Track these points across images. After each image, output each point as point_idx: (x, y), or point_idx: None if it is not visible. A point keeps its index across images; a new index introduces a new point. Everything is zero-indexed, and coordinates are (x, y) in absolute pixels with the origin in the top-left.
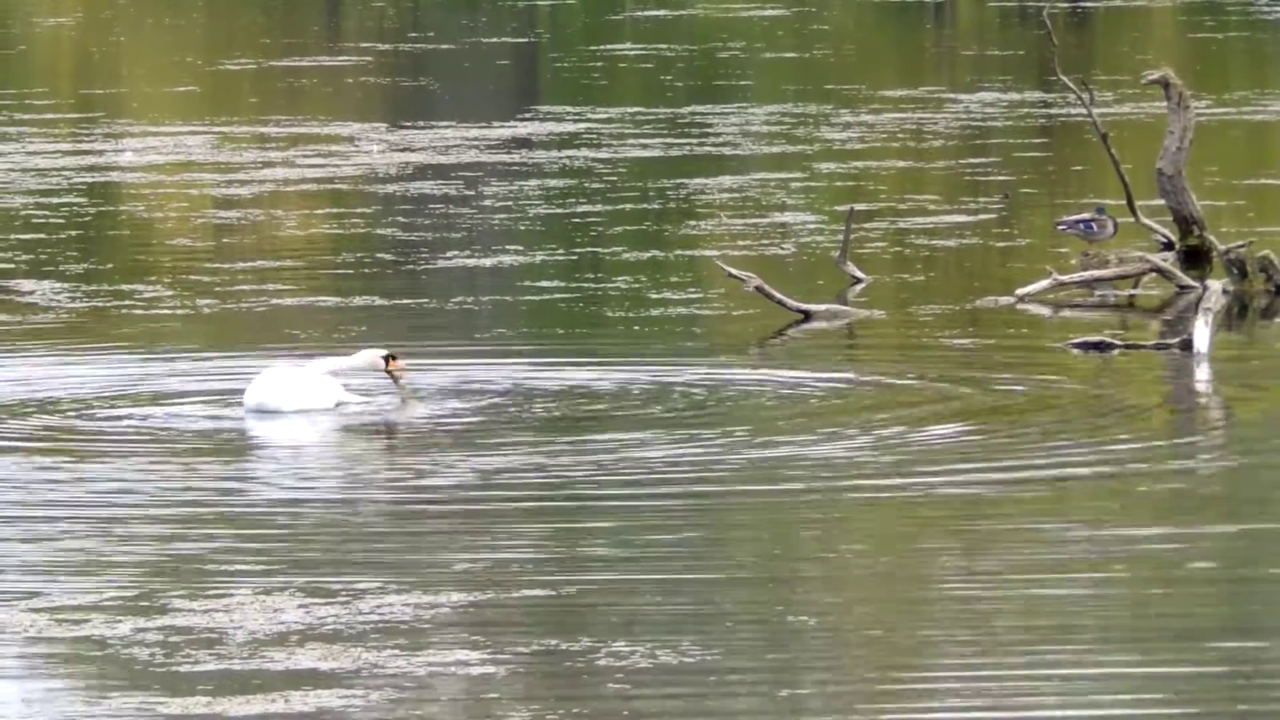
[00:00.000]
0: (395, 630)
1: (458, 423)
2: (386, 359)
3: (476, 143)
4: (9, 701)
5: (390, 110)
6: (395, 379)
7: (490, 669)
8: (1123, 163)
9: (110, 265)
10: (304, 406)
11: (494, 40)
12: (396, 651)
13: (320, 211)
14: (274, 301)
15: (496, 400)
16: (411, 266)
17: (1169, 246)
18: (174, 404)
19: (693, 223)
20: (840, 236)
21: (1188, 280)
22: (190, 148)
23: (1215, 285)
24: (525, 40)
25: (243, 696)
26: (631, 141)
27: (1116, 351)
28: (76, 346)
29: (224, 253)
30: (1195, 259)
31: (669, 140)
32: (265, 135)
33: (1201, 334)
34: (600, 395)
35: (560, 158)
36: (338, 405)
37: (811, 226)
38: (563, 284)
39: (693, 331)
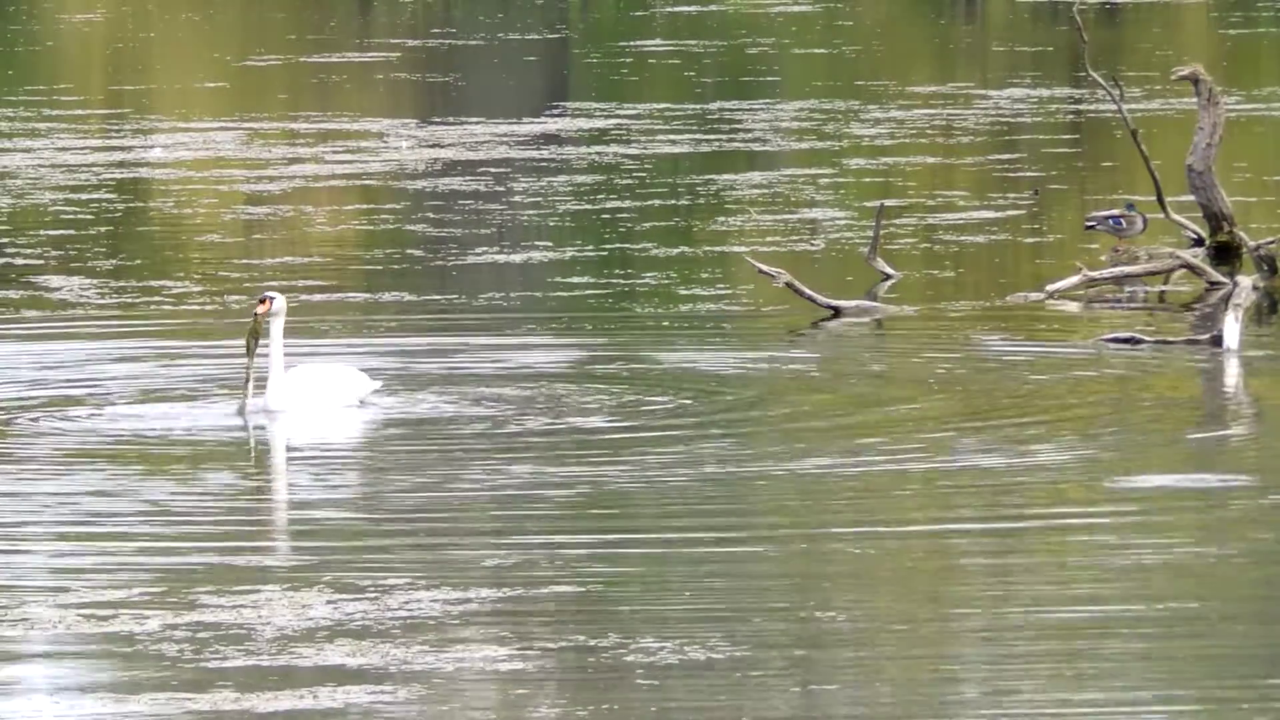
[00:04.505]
0: (424, 626)
1: (486, 419)
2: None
3: (506, 139)
4: (39, 698)
5: (420, 106)
6: (257, 319)
7: (519, 665)
8: (1152, 159)
9: (139, 261)
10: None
11: (523, 36)
12: (425, 648)
13: (350, 207)
14: (303, 297)
15: (524, 396)
16: (441, 262)
17: (1199, 243)
18: (200, 401)
19: (722, 219)
20: (870, 232)
21: (1218, 276)
22: (219, 144)
23: (1245, 281)
24: (554, 36)
25: (271, 693)
26: (661, 137)
27: (1147, 347)
28: (103, 342)
29: (253, 249)
30: (1225, 255)
31: (698, 136)
32: (294, 131)
33: (1231, 330)
34: (629, 390)
35: (589, 154)
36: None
37: (841, 222)
38: (592, 280)
39: (722, 327)
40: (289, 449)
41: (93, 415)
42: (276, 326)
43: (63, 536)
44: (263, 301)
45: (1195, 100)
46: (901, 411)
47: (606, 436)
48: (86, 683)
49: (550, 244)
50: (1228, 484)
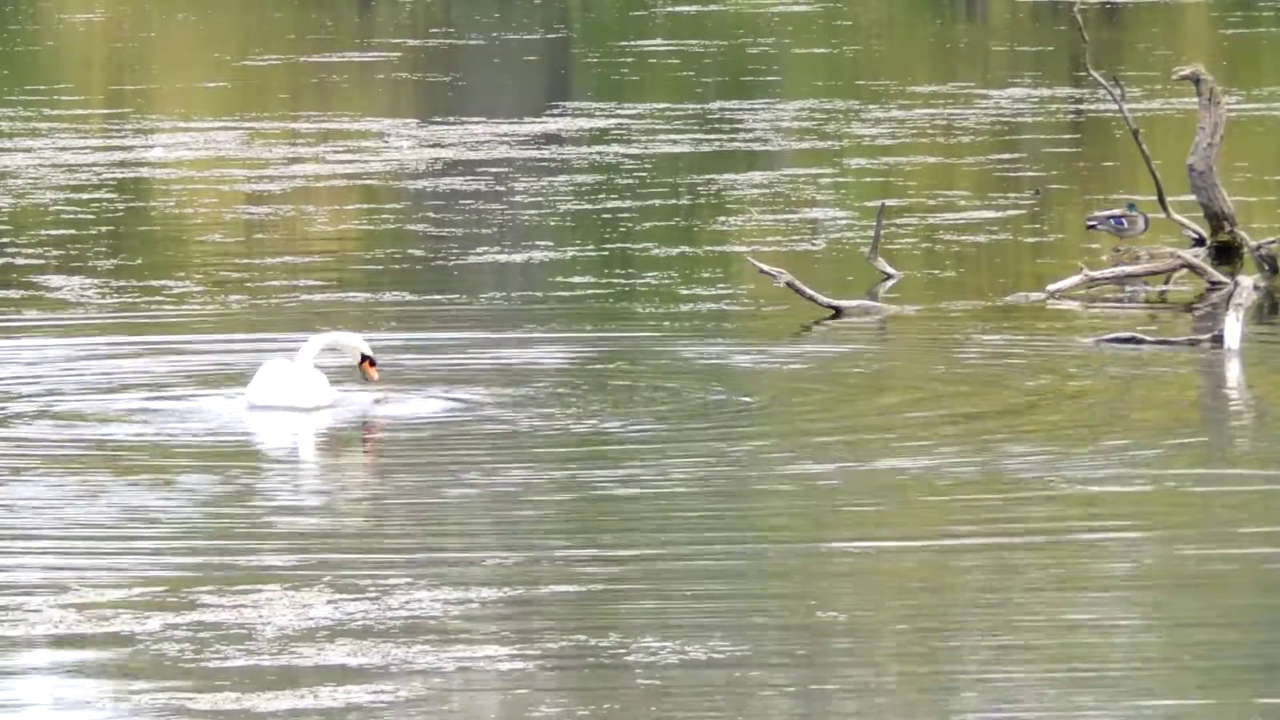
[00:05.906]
0: (424, 626)
1: (488, 417)
2: (365, 359)
3: (506, 138)
4: (38, 697)
5: (420, 106)
6: (365, 378)
7: (520, 665)
8: (1153, 158)
9: (140, 261)
10: (308, 403)
11: (522, 36)
12: (426, 647)
13: (350, 207)
14: (304, 297)
15: (525, 396)
16: (442, 262)
17: (1200, 242)
18: (201, 400)
19: (723, 218)
20: (871, 232)
21: (1219, 276)
22: (220, 143)
23: (1246, 281)
24: (555, 36)
25: (272, 692)
26: (661, 137)
27: (1148, 348)
28: (104, 342)
29: (254, 249)
30: (1226, 255)
31: (699, 136)
32: (295, 131)
33: (1233, 330)
34: (630, 389)
35: (590, 153)
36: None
37: (842, 222)
38: (593, 280)
39: (722, 327)
40: (290, 448)
41: (91, 414)
42: (317, 342)
43: (60, 536)
44: (371, 364)
45: (1196, 100)
46: (901, 412)
47: (607, 437)
48: (87, 683)
49: (550, 244)
50: (1229, 484)
